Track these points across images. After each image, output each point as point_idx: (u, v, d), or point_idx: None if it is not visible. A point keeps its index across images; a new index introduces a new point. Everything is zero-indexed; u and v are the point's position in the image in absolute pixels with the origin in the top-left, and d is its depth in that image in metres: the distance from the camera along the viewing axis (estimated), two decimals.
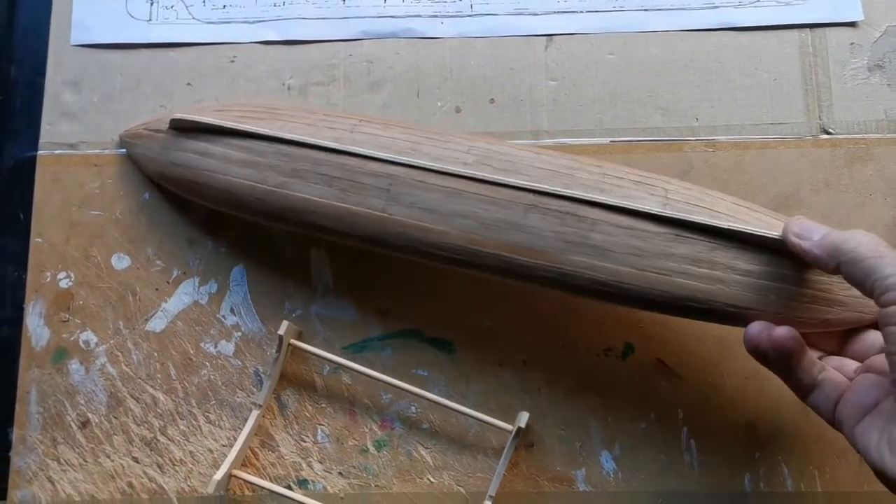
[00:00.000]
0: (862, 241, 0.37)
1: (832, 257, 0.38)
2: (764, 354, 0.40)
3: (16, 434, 0.49)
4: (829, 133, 0.52)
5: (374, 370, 0.49)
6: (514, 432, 0.47)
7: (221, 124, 0.48)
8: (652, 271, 0.43)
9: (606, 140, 0.53)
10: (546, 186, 0.45)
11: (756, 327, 0.41)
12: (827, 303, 0.42)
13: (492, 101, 0.54)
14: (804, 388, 0.40)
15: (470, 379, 0.50)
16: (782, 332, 0.39)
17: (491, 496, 0.47)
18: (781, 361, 0.40)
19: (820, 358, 0.43)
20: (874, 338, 0.42)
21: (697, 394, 0.49)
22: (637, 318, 0.50)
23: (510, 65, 0.54)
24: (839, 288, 0.42)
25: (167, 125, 0.50)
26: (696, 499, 0.48)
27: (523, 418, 0.47)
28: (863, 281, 0.36)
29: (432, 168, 0.46)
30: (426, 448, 0.49)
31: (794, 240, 0.40)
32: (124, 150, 0.53)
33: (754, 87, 0.53)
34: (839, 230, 0.39)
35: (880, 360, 0.40)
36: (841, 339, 0.44)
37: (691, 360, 0.50)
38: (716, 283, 0.43)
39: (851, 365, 0.42)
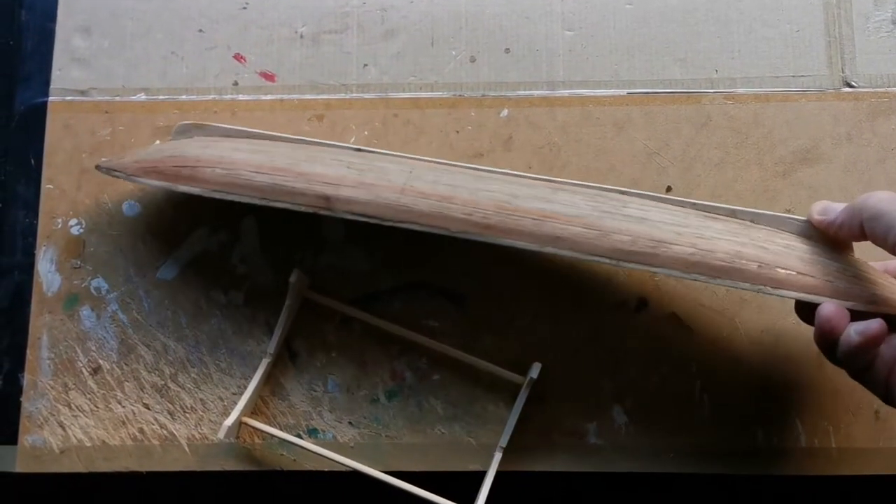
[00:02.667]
0: (883, 198, 0.37)
1: (855, 217, 0.38)
2: (834, 342, 0.38)
3: (27, 379, 0.50)
4: (851, 86, 0.51)
5: (385, 321, 0.49)
6: (525, 384, 0.47)
7: (232, 127, 0.47)
8: (694, 235, 0.42)
9: (623, 92, 0.52)
10: (570, 181, 0.45)
11: (830, 307, 0.38)
12: (870, 281, 0.41)
13: (507, 50, 0.53)
14: (860, 369, 0.39)
15: (481, 331, 0.50)
16: (875, 326, 0.37)
17: (502, 447, 0.47)
18: (864, 355, 0.38)
19: None
20: None
21: (711, 348, 0.49)
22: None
23: (526, 14, 0.53)
24: (876, 272, 0.41)
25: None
26: (708, 453, 0.48)
27: (536, 369, 0.46)
28: (885, 235, 0.37)
29: (453, 164, 0.46)
30: (437, 399, 0.49)
31: (819, 217, 0.41)
32: (136, 97, 0.52)
33: (776, 38, 0.52)
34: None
35: None
36: None
37: (705, 314, 0.49)
38: (760, 248, 0.41)
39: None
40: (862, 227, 0.38)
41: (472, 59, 0.53)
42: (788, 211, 0.49)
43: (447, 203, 0.43)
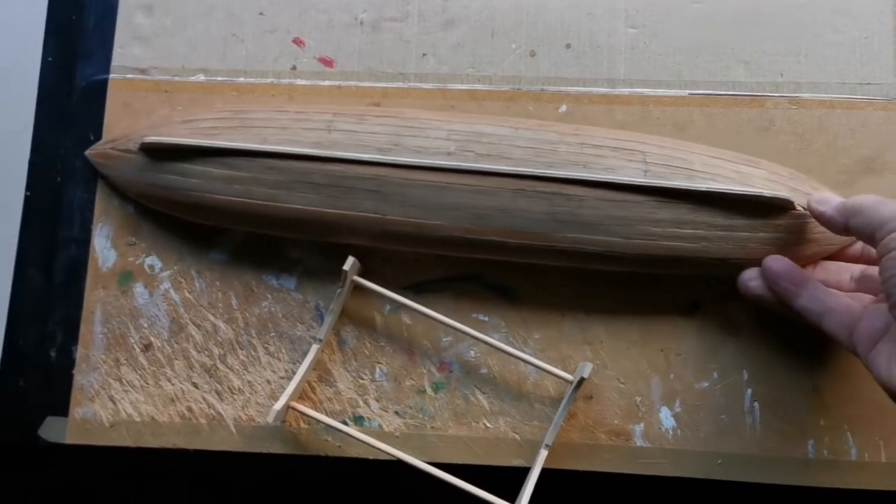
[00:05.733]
0: (867, 199, 0.40)
1: (843, 215, 0.41)
2: (758, 295, 0.45)
3: (80, 352, 0.50)
4: None
5: (435, 312, 0.48)
6: (575, 383, 0.47)
7: (194, 144, 0.47)
8: (640, 238, 0.45)
9: (685, 92, 0.51)
10: (530, 170, 0.46)
11: (748, 273, 0.45)
12: (802, 242, 0.46)
13: (568, 46, 0.52)
14: (815, 314, 0.42)
15: (531, 326, 0.49)
16: (770, 259, 0.44)
17: (547, 445, 0.47)
18: (780, 287, 0.43)
19: None
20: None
21: (764, 356, 0.48)
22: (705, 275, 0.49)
23: (589, 9, 0.53)
24: (811, 227, 0.45)
25: (136, 144, 0.49)
26: (756, 462, 0.47)
27: (587, 369, 0.46)
28: (863, 229, 0.40)
29: (417, 165, 0.46)
30: (483, 393, 0.49)
31: (815, 206, 0.43)
32: (195, 78, 0.53)
33: (844, 44, 0.51)
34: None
35: None
36: (852, 276, 0.46)
37: (759, 320, 0.48)
38: (700, 241, 0.45)
39: (866, 298, 0.44)
40: (847, 226, 0.41)
41: (532, 53, 0.52)
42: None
43: (418, 232, 0.47)
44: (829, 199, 0.43)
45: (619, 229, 0.45)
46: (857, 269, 0.46)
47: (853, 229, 0.41)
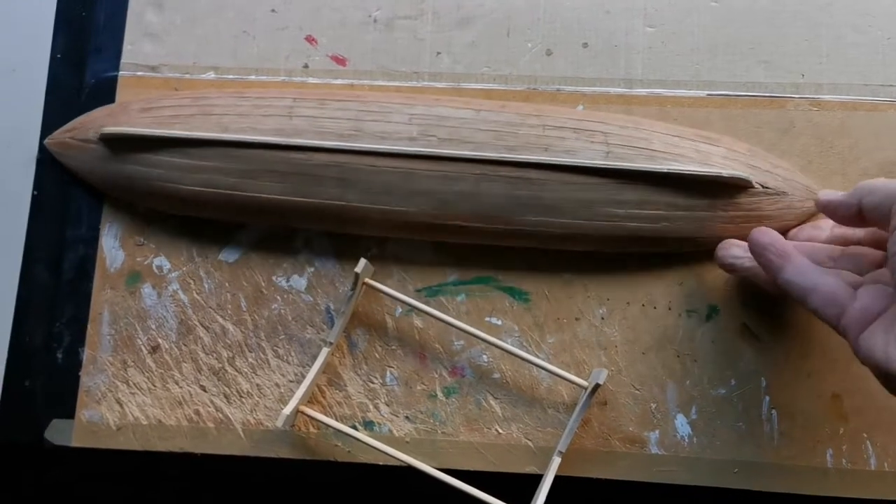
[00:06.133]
0: (878, 179, 0.40)
1: (855, 197, 0.41)
2: (732, 264, 0.45)
3: (87, 354, 0.49)
4: None
5: (448, 315, 0.48)
6: (590, 389, 0.46)
7: (152, 134, 0.46)
8: (601, 220, 0.46)
9: (703, 93, 0.50)
10: (492, 154, 0.46)
11: (725, 242, 0.45)
12: (759, 219, 0.46)
13: (585, 45, 0.51)
14: (800, 289, 0.40)
15: (545, 331, 0.49)
16: (756, 231, 0.42)
17: (560, 451, 0.46)
18: (765, 259, 0.42)
19: None
20: (868, 251, 0.42)
21: (782, 362, 0.47)
22: (723, 279, 0.48)
23: (606, 8, 0.52)
24: (767, 204, 0.46)
25: (95, 134, 0.48)
26: (773, 471, 0.46)
27: (602, 375, 0.45)
28: (878, 206, 0.39)
29: (379, 151, 0.45)
30: (496, 398, 0.48)
31: (824, 195, 0.42)
32: (205, 76, 0.52)
33: (866, 45, 0.50)
34: None
35: (883, 274, 0.40)
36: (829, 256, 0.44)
37: (778, 326, 0.47)
38: (661, 221, 0.46)
39: (850, 277, 0.41)
40: (859, 207, 0.40)
41: (549, 52, 0.52)
42: None
43: (383, 218, 0.47)
44: (837, 192, 0.42)
45: (581, 211, 0.46)
46: (837, 249, 0.44)
47: (867, 208, 0.40)
